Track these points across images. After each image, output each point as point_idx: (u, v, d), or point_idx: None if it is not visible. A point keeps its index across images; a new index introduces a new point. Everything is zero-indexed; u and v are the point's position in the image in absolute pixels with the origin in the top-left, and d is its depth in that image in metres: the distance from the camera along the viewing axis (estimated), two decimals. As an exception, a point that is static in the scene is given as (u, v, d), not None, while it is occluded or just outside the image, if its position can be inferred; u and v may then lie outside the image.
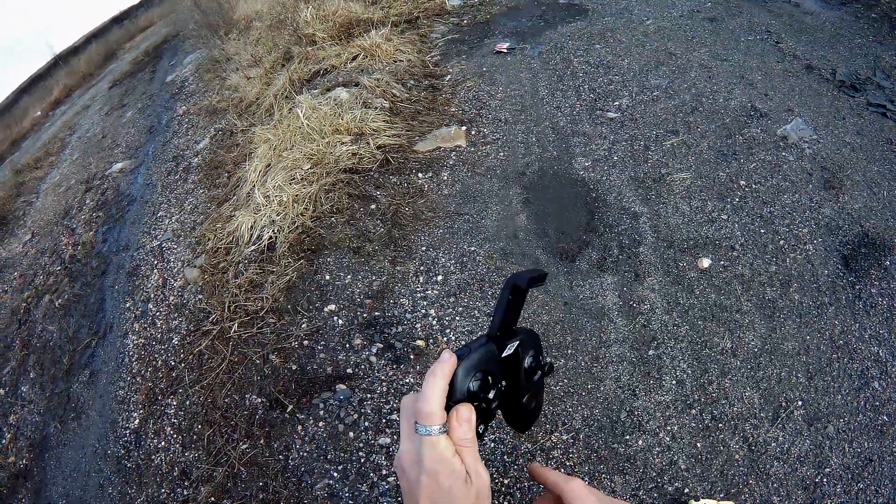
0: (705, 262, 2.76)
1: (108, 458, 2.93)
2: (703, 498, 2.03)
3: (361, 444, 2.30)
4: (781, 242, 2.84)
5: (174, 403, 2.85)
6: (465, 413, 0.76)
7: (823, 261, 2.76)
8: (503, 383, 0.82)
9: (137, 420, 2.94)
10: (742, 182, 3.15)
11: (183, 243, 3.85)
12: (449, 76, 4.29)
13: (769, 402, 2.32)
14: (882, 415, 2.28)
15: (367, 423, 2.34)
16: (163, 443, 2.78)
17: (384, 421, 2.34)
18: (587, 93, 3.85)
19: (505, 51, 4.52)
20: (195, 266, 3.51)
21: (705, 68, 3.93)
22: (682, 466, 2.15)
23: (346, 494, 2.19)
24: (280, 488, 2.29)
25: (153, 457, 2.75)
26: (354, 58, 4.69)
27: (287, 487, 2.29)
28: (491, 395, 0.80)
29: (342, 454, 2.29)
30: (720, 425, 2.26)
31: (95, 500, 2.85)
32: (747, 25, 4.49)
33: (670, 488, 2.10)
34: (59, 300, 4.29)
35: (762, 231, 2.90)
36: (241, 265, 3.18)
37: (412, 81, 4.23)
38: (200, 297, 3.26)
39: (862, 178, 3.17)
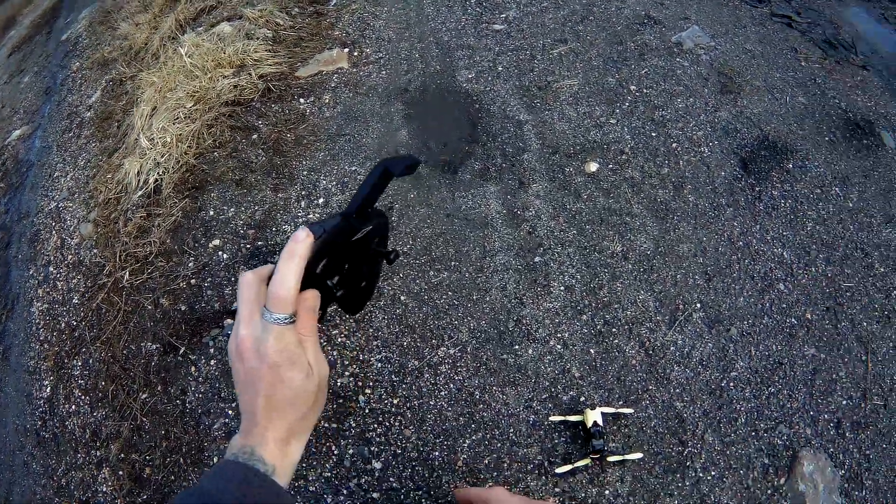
0: (593, 167, 2.76)
1: (28, 433, 2.85)
2: (599, 406, 2.02)
3: None
4: (674, 145, 2.85)
5: (79, 364, 2.78)
6: (312, 301, 0.74)
7: (720, 163, 2.79)
8: (346, 266, 0.79)
9: (49, 388, 2.85)
10: (632, 87, 3.13)
11: (78, 200, 3.66)
12: (335, 1, 4.15)
13: (665, 306, 2.33)
14: (790, 317, 2.33)
15: None
16: (73, 406, 2.71)
17: None
18: (473, 7, 3.73)
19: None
20: (89, 221, 3.41)
21: None
22: (576, 374, 2.16)
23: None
24: (181, 434, 2.27)
25: (66, 423, 2.69)
26: (238, -11, 4.51)
27: (187, 432, 2.27)
28: (335, 280, 0.78)
29: (234, 391, 2.29)
30: (614, 330, 2.27)
31: (25, 479, 2.78)
32: None
33: (565, 397, 2.11)
34: None
35: (653, 134, 2.91)
36: (129, 212, 3.11)
37: (297, 9, 4.07)
38: (95, 251, 3.15)
39: (763, 84, 3.19)
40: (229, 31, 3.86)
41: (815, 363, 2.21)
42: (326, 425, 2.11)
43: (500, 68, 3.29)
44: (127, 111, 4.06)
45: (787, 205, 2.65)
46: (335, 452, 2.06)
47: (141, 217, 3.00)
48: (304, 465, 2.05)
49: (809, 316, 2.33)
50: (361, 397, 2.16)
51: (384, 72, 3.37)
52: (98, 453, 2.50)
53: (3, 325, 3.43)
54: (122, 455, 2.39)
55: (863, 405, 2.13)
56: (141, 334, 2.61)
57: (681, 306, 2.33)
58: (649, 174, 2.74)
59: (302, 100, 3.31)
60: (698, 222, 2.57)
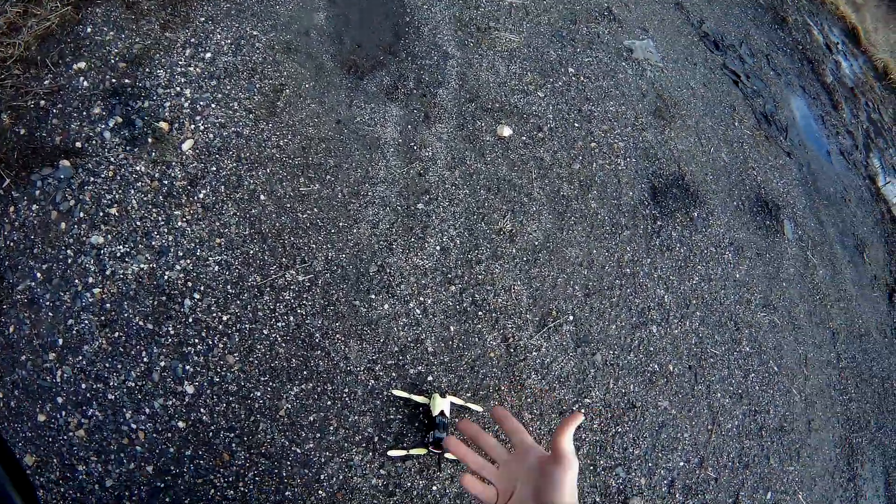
0: (506, 131, 2.57)
1: None
2: (448, 395, 1.87)
3: (72, 240, 1.88)
4: (593, 144, 2.76)
5: None
6: None
7: (631, 182, 2.74)
8: None
9: None
10: (571, 69, 2.98)
11: None
12: None
13: (538, 306, 2.23)
14: (654, 362, 2.31)
15: (82, 214, 1.92)
16: None
17: (101, 214, 1.94)
18: None
19: None
20: None
21: None
22: (430, 349, 2.00)
23: (47, 303, 1.79)
24: None
25: None
26: None
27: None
28: None
29: (50, 250, 1.87)
30: (480, 314, 2.13)
31: None
32: None
33: (412, 371, 1.94)
34: None
35: (576, 124, 2.79)
36: (8, 4, 2.52)
37: None
38: None
39: (693, 125, 3.21)
40: None
41: (665, 416, 2.24)
42: (141, 324, 1.79)
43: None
44: None
45: (682, 251, 2.67)
46: (144, 360, 1.75)
47: (16, 12, 2.44)
48: (106, 363, 1.73)
49: (672, 368, 2.35)
50: (188, 301, 1.84)
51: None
52: None
53: None
54: None
55: (697, 472, 2.20)
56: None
57: (553, 312, 2.25)
58: (560, 163, 2.62)
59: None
60: (593, 233, 2.50)
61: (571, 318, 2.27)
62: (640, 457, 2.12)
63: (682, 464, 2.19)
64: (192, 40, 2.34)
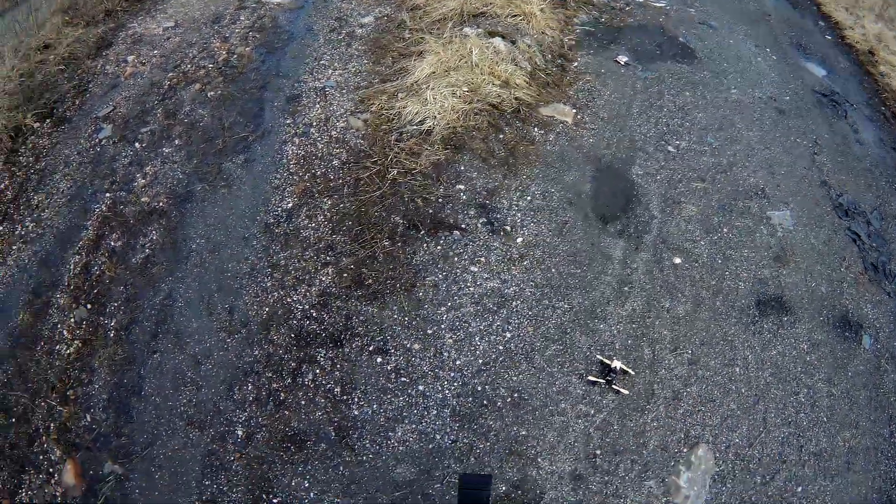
0: (677, 260, 4.75)
1: (257, 222, 4.63)
2: (616, 360, 4.05)
3: (460, 266, 4.38)
4: (727, 273, 4.77)
5: (328, 203, 4.73)
6: None
7: (746, 295, 4.67)
8: None
9: (291, 204, 4.75)
10: (724, 230, 5.03)
11: (346, 96, 5.67)
12: (576, 63, 6.20)
13: (674, 342, 4.36)
14: (733, 385, 4.30)
15: (466, 257, 4.43)
16: (313, 224, 4.62)
17: (476, 259, 4.43)
18: (662, 126, 5.79)
19: (622, 63, 6.39)
20: (360, 118, 5.42)
21: (749, 147, 5.81)
22: (617, 347, 4.25)
23: (444, 288, 4.27)
24: (402, 271, 4.34)
25: (302, 231, 4.58)
26: (514, 15, 6.54)
27: (406, 272, 4.34)
28: None
29: (447, 267, 4.38)
30: (642, 340, 4.33)
31: (237, 247, 4.50)
32: (803, 129, 6.18)
33: (607, 350, 4.20)
34: (212, 92, 5.78)
35: (719, 261, 4.83)
36: (403, 135, 5.16)
37: (549, 55, 6.13)
38: (361, 141, 5.19)
39: (804, 267, 4.94)
40: (503, 49, 5.92)
41: (731, 413, 4.13)
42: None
43: (659, 177, 5.34)
44: (403, 55, 6.09)
45: (768, 336, 4.47)
46: None
47: (414, 143, 5.08)
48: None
49: (743, 390, 4.23)
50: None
51: (591, 140, 5.46)
52: (327, 258, 4.44)
53: (250, 144, 5.31)
54: (352, 267, 4.36)
55: (747, 449, 4.03)
56: (393, 211, 4.66)
57: (680, 346, 4.33)
58: (703, 280, 4.69)
59: (536, 129, 5.42)
60: (714, 319, 4.51)
61: (690, 352, 4.29)
62: (712, 426, 4.05)
63: (737, 440, 4.03)
64: (520, 187, 4.85)
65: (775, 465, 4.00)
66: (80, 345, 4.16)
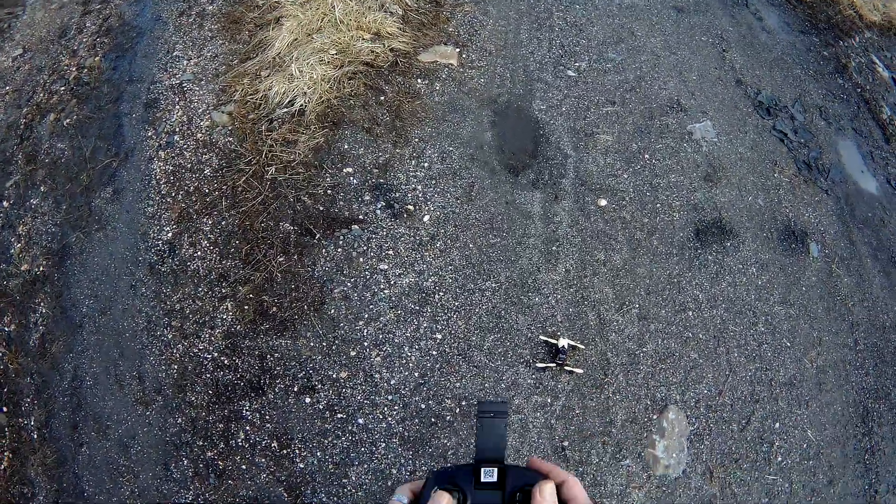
0: (603, 202, 4.35)
1: (140, 264, 4.03)
2: (565, 338, 3.66)
3: (367, 267, 3.87)
4: (658, 206, 4.42)
5: (209, 223, 4.10)
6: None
7: (683, 227, 4.37)
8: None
9: (170, 233, 4.11)
10: (646, 156, 4.66)
11: (206, 87, 4.94)
12: (450, -5, 5.58)
13: (618, 299, 3.98)
14: (688, 332, 3.93)
15: (371, 254, 3.91)
16: (199, 253, 4.00)
17: (383, 254, 3.91)
18: (556, 48, 5.26)
19: (501, -14, 5.79)
20: (223, 112, 4.75)
21: (654, 55, 5.36)
22: (559, 320, 3.82)
23: (356, 298, 3.77)
24: (308, 289, 3.80)
25: (189, 264, 3.97)
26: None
27: (312, 289, 3.80)
28: None
29: (354, 272, 3.85)
30: (584, 304, 3.92)
31: (127, 299, 3.95)
32: (706, 25, 5.76)
33: (550, 328, 3.77)
34: (68, 120, 5.01)
35: (647, 194, 4.47)
36: (274, 122, 4.52)
37: (422, -5, 5.49)
38: (230, 139, 4.51)
39: (737, 182, 4.68)
40: (369, -4, 5.24)
41: (694, 363, 3.88)
42: (414, 307, 3.71)
43: (563, 108, 4.86)
44: (259, 26, 5.35)
45: (714, 268, 4.23)
46: (415, 323, 3.69)
47: (287, 130, 4.43)
48: (392, 326, 3.65)
49: (700, 336, 3.97)
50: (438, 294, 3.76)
51: (482, 80, 4.89)
52: (223, 290, 3.88)
53: (115, 171, 4.60)
54: (252, 296, 3.82)
55: (717, 398, 3.78)
56: (280, 217, 4.07)
57: (626, 302, 3.99)
58: (635, 219, 4.33)
59: (419, 80, 4.80)
60: (654, 259, 4.18)
61: (637, 306, 3.98)
62: (676, 383, 3.78)
63: (705, 391, 3.78)
64: (414, 154, 4.28)
65: (748, 406, 3.84)
66: (10, 456, 3.74)
